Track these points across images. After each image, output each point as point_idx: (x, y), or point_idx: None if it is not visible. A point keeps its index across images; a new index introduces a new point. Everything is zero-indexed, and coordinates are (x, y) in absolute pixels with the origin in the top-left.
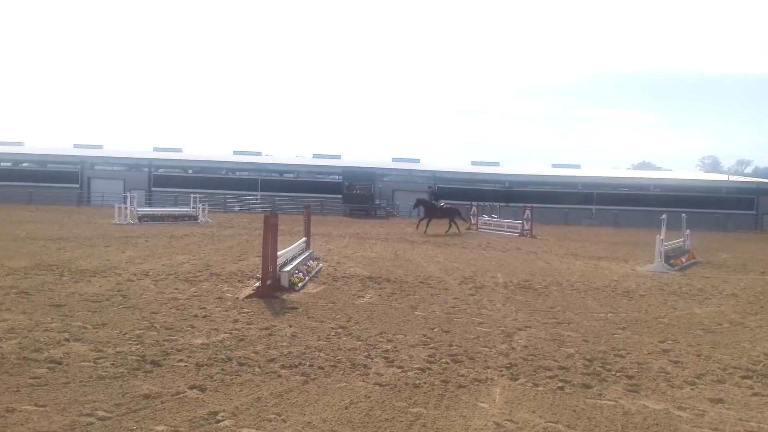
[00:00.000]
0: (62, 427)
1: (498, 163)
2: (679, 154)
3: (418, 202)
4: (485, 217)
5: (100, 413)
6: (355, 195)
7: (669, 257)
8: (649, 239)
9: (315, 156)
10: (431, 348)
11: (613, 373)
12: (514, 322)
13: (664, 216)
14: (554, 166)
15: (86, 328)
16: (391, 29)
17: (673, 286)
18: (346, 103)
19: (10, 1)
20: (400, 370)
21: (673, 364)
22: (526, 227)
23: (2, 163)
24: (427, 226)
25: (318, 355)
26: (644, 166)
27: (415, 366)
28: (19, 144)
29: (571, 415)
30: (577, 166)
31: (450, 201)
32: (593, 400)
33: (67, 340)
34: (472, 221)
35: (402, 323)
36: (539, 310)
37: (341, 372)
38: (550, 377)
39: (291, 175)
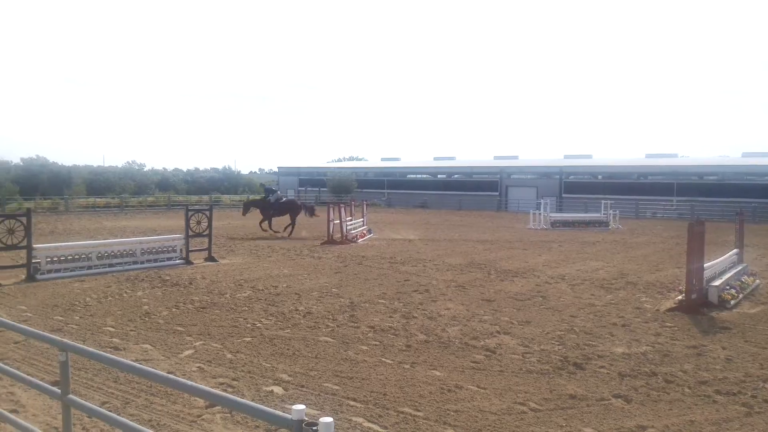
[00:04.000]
0: (501, 410)
1: None
2: None
3: (247, 206)
4: None
5: (532, 404)
6: None
7: None
8: None
9: (744, 155)
10: None
11: None
12: None
13: None
14: None
15: (512, 323)
16: None
17: None
18: None
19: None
20: None
21: None
22: None
23: (439, 176)
24: (270, 225)
25: (763, 386)
26: None
27: None
28: (452, 159)
29: None
30: None
31: None
32: None
33: (498, 332)
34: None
35: None
36: None
37: None
38: None
39: (713, 178)
